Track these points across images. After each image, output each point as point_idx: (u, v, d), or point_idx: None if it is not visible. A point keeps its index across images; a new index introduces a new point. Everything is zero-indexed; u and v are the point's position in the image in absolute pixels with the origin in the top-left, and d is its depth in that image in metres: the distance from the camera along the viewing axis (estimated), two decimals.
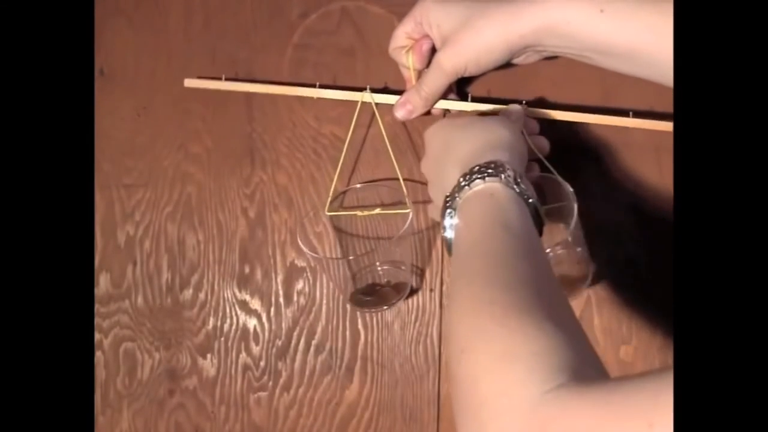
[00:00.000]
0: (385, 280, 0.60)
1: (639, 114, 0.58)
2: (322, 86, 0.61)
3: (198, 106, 0.64)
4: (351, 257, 0.62)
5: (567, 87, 0.60)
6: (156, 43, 0.65)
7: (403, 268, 0.60)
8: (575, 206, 0.51)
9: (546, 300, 0.37)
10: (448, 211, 0.45)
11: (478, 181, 0.44)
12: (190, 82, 0.62)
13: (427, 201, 0.59)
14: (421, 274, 0.62)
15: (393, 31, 0.57)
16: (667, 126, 0.58)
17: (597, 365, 0.34)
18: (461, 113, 0.58)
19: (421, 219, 0.62)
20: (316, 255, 0.61)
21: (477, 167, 0.45)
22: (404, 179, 0.60)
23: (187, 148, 0.64)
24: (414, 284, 0.62)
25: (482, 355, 0.34)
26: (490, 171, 0.44)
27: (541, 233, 0.46)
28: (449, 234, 0.45)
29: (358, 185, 0.62)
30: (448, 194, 0.46)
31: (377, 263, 0.60)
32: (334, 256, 0.62)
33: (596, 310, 0.60)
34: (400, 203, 0.61)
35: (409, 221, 0.56)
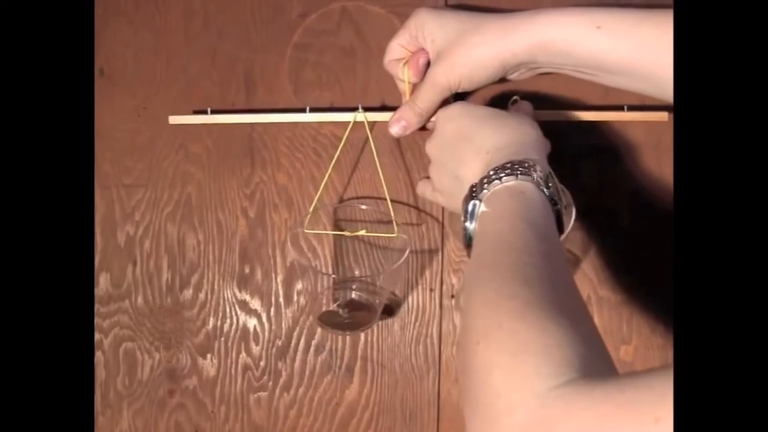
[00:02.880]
0: (359, 300, 0.60)
1: (634, 108, 0.58)
2: (312, 110, 0.61)
3: (198, 106, 0.64)
4: (333, 274, 0.62)
5: (566, 87, 0.60)
6: (156, 43, 0.65)
7: (380, 291, 0.60)
8: (573, 210, 0.51)
9: (565, 299, 0.37)
10: (473, 201, 0.45)
11: (510, 177, 0.44)
12: (174, 119, 0.62)
13: (414, 223, 0.60)
14: (398, 299, 0.63)
15: (388, 43, 0.57)
16: (662, 116, 0.58)
17: (608, 363, 0.34)
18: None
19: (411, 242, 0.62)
20: (304, 262, 0.62)
21: (510, 163, 0.44)
22: (392, 200, 0.60)
23: (187, 148, 0.64)
24: (392, 305, 0.62)
25: (497, 348, 0.34)
26: (523, 169, 0.44)
27: None
28: (470, 223, 0.45)
29: (338, 204, 0.62)
30: (474, 183, 0.45)
31: (353, 284, 0.60)
32: (322, 266, 0.62)
33: (596, 310, 0.61)
34: (388, 222, 0.61)
35: (406, 255, 0.57)
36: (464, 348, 0.37)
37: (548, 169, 0.46)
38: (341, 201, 0.63)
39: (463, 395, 0.37)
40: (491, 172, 0.45)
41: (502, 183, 0.44)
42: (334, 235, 0.62)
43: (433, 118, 0.56)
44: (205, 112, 0.62)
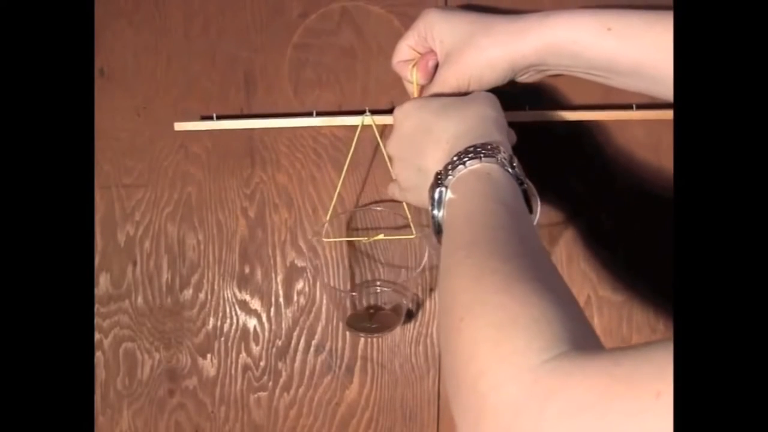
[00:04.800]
0: (383, 301, 0.60)
1: (641, 107, 0.58)
2: (319, 114, 0.61)
3: (198, 106, 0.64)
4: (354, 293, 0.61)
5: (568, 87, 0.60)
6: (156, 44, 0.65)
7: (405, 292, 0.60)
8: (538, 201, 0.52)
9: (546, 275, 0.36)
10: (439, 188, 0.44)
11: (474, 160, 0.44)
12: (180, 125, 0.62)
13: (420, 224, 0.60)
14: (419, 300, 0.62)
15: (396, 43, 0.56)
16: (668, 114, 0.58)
17: (596, 338, 0.33)
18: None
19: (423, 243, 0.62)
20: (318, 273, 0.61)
21: (472, 147, 0.44)
22: (395, 202, 0.60)
23: (187, 148, 0.64)
24: (412, 307, 0.62)
25: (483, 323, 0.33)
26: (486, 152, 0.44)
27: None
28: (438, 211, 0.44)
29: (352, 210, 0.62)
30: (439, 171, 0.45)
31: (377, 285, 0.60)
32: (335, 267, 0.62)
33: (596, 310, 0.61)
34: (403, 227, 0.61)
35: (426, 256, 0.57)
36: (446, 327, 0.36)
37: (511, 150, 0.46)
38: (355, 205, 0.62)
39: (446, 376, 0.36)
40: (455, 158, 0.44)
41: (466, 167, 0.44)
42: (348, 241, 0.62)
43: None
44: (210, 118, 0.62)
